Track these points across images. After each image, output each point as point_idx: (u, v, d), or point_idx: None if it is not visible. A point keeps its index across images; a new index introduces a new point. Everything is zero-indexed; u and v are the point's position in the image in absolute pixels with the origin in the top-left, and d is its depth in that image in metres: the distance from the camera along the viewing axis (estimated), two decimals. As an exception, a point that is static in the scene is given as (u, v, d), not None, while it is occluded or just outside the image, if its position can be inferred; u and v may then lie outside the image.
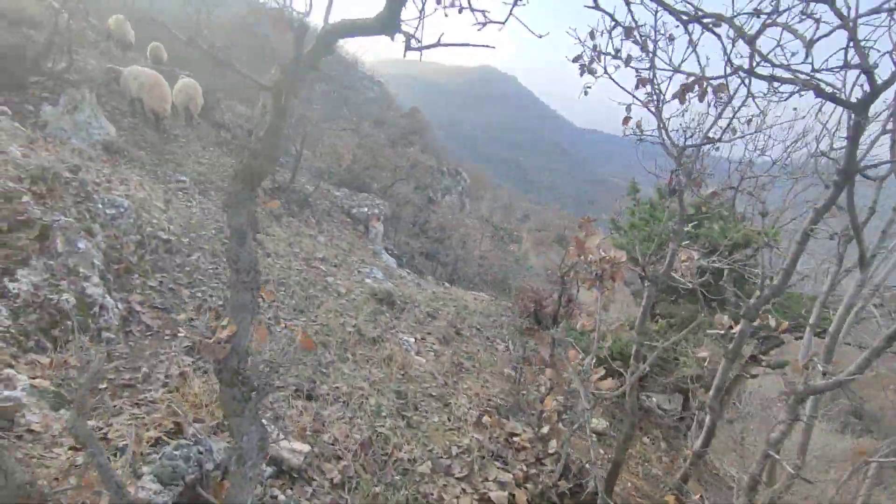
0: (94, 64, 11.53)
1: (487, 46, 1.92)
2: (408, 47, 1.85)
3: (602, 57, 4.74)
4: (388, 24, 1.83)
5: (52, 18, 7.64)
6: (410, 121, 37.91)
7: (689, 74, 4.16)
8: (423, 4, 1.87)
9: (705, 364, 6.46)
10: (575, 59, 5.01)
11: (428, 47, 1.86)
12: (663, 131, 4.01)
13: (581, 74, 5.02)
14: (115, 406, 3.01)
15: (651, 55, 4.06)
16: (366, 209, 13.62)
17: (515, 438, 4.62)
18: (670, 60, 3.45)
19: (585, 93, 5.14)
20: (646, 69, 4.43)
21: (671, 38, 4.26)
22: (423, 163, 27.71)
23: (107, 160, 7.61)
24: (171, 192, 7.55)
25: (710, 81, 3.37)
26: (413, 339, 6.67)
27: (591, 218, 11.48)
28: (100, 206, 4.94)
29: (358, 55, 29.49)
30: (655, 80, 4.16)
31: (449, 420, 4.69)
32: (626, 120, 5.20)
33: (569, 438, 4.23)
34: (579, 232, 11.35)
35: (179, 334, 4.26)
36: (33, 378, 2.90)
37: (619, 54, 4.70)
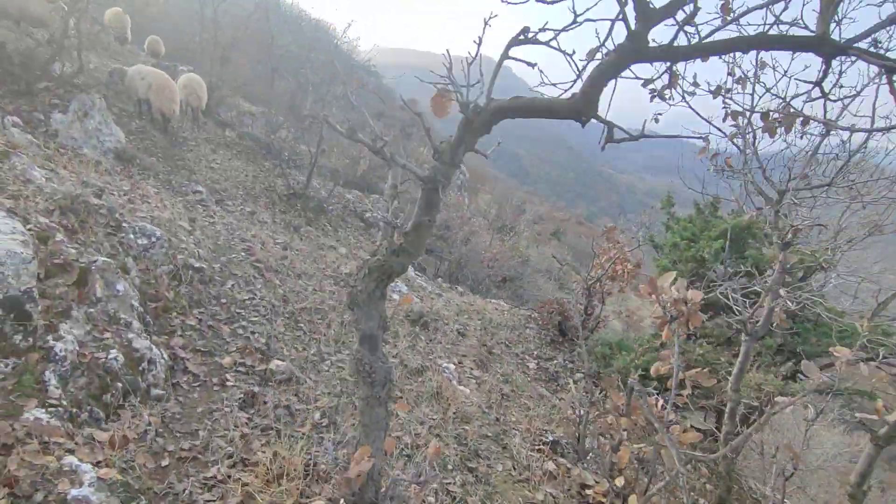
0: (95, 62, 10.96)
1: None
2: (609, 139, 1.53)
3: (681, 81, 4.42)
4: (582, 109, 1.51)
5: (61, 20, 7.11)
6: (408, 112, 37.22)
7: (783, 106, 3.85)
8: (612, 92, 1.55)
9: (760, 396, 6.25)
10: (646, 84, 4.69)
11: (633, 138, 1.54)
12: (760, 171, 3.70)
13: (651, 100, 4.71)
14: (185, 491, 2.68)
15: (752, 85, 3.75)
16: (379, 213, 13.22)
17: (588, 490, 4.35)
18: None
19: (656, 120, 4.81)
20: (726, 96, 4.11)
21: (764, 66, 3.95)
22: (424, 157, 27.20)
23: (120, 170, 7.16)
24: (190, 205, 7.13)
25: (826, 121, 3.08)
26: (452, 366, 6.38)
27: (614, 227, 11.11)
28: (131, 235, 4.55)
29: (355, 43, 28.73)
30: (747, 114, 3.87)
31: (514, 469, 4.41)
32: (703, 150, 4.88)
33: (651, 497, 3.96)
34: (603, 241, 10.94)
35: (228, 383, 3.92)
36: (96, 464, 2.55)
37: (696, 80, 4.39)
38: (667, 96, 4.55)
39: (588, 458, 5.00)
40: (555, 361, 8.84)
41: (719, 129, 4.20)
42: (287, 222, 8.92)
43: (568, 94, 1.76)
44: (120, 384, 3.18)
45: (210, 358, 4.13)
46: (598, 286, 10.09)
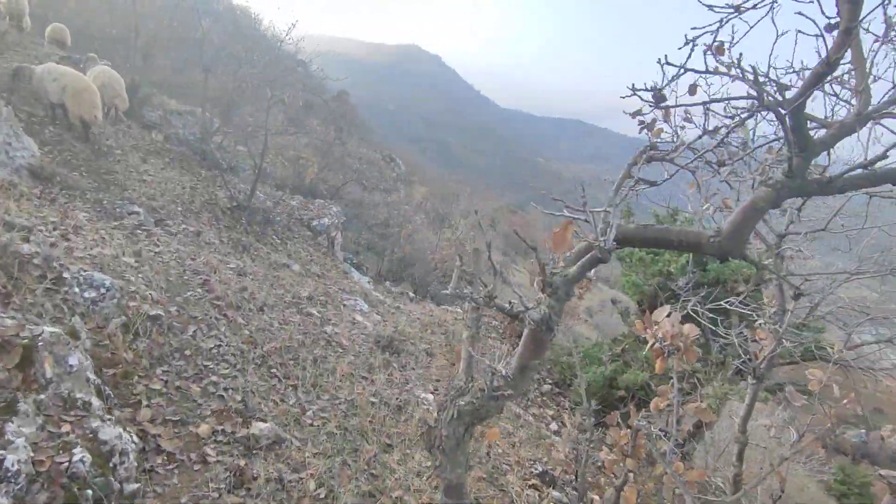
0: (-7, 56, 9.55)
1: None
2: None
3: (672, 115, 4.39)
4: (731, 248, 1.33)
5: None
6: (339, 104, 36.17)
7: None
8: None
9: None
10: (634, 115, 4.65)
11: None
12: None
13: (640, 132, 4.67)
14: None
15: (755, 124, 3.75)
16: (326, 220, 12.63)
17: (594, 533, 4.30)
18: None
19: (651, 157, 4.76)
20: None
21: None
22: (366, 155, 26.57)
23: (41, 192, 6.24)
24: (130, 232, 6.35)
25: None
26: (431, 396, 6.14)
27: (570, 222, 11.49)
28: (76, 289, 3.92)
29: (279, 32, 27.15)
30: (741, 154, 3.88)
31: (518, 515, 4.28)
32: (693, 184, 4.89)
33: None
34: (558, 237, 11.33)
35: (209, 458, 3.46)
36: None
37: (689, 115, 4.37)
38: (655, 130, 4.51)
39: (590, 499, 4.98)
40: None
41: (710, 164, 4.21)
42: (235, 241, 8.24)
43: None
44: (90, 491, 2.68)
45: (184, 428, 3.64)
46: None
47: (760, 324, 4.24)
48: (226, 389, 4.18)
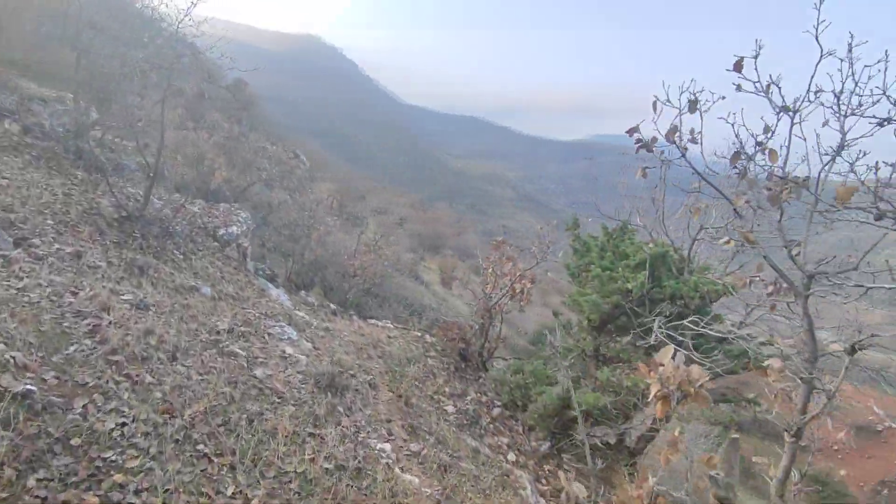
0: None
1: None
2: None
3: (678, 137, 3.94)
4: None
5: None
6: (235, 93, 33.25)
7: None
8: None
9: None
10: (630, 131, 4.16)
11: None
12: (788, 250, 3.37)
13: (637, 151, 4.19)
14: None
15: (786, 150, 3.39)
16: (235, 228, 11.08)
17: None
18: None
19: (644, 175, 4.34)
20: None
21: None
22: (272, 151, 24.51)
23: None
24: (-22, 261, 4.74)
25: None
26: (388, 446, 5.28)
27: (503, 240, 10.86)
28: None
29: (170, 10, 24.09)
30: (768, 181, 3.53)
31: None
32: (697, 211, 4.56)
33: None
34: (493, 254, 10.61)
35: None
36: None
37: (694, 135, 3.96)
38: (655, 150, 4.03)
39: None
40: (469, 398, 8.23)
41: (721, 192, 3.83)
42: (129, 261, 6.70)
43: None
44: None
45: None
46: (498, 306, 9.74)
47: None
48: (138, 493, 3.04)
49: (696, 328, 5.01)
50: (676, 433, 3.93)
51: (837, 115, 2.99)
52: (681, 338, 5.09)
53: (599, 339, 7.96)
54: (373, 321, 11.59)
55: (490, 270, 10.31)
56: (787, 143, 3.20)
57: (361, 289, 18.76)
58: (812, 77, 2.93)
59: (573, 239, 8.30)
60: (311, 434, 4.70)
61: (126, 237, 7.56)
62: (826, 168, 3.13)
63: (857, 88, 2.93)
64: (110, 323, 4.58)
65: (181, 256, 8.44)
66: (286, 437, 4.42)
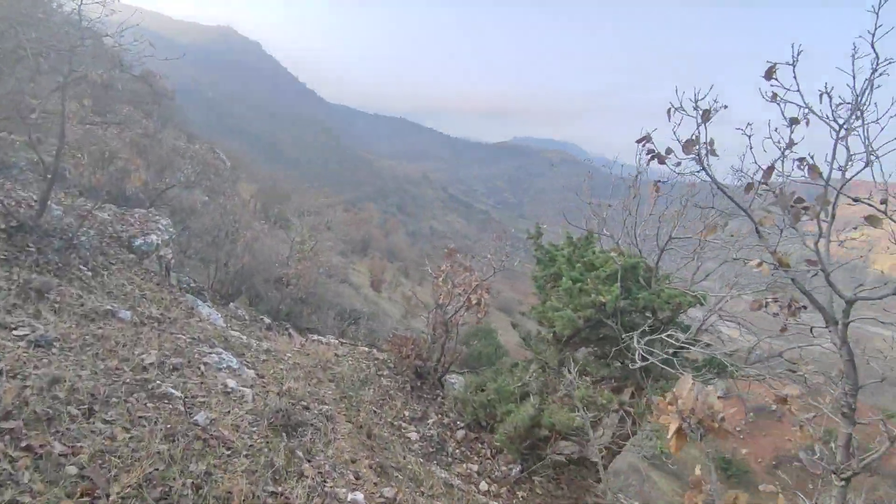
0: None
1: None
2: None
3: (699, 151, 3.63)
4: None
5: None
6: (144, 86, 30.37)
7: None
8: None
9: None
10: (641, 141, 3.81)
11: None
12: (826, 274, 3.11)
13: (647, 162, 3.85)
14: None
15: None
16: (154, 237, 9.73)
17: None
18: None
19: (657, 190, 4.00)
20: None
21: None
22: (192, 150, 22.45)
23: None
24: None
25: None
26: (360, 495, 4.56)
27: (454, 249, 10.42)
28: None
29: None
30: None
31: None
32: (712, 230, 4.32)
33: None
34: (444, 263, 10.13)
35: None
36: None
37: (713, 146, 3.67)
38: (671, 162, 3.68)
39: None
40: (430, 420, 7.64)
41: (743, 209, 3.53)
42: (22, 284, 5.46)
43: None
44: None
45: None
46: (454, 319, 9.24)
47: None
48: None
49: (674, 342, 4.77)
50: (698, 472, 3.60)
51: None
52: (662, 353, 4.84)
53: (564, 352, 7.66)
54: (315, 337, 10.67)
55: (441, 280, 9.79)
56: (830, 158, 2.93)
57: (294, 298, 17.57)
58: (870, 85, 2.65)
59: (536, 248, 7.96)
60: (272, 493, 3.91)
61: (18, 252, 6.23)
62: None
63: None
64: (0, 373, 3.53)
65: (90, 273, 7.16)
66: (243, 501, 3.61)
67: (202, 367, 5.83)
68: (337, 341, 10.50)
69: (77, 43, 7.72)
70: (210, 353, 6.31)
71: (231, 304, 14.17)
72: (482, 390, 7.99)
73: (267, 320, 12.65)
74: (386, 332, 25.84)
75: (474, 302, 9.08)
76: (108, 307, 6.21)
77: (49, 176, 7.03)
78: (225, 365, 6.24)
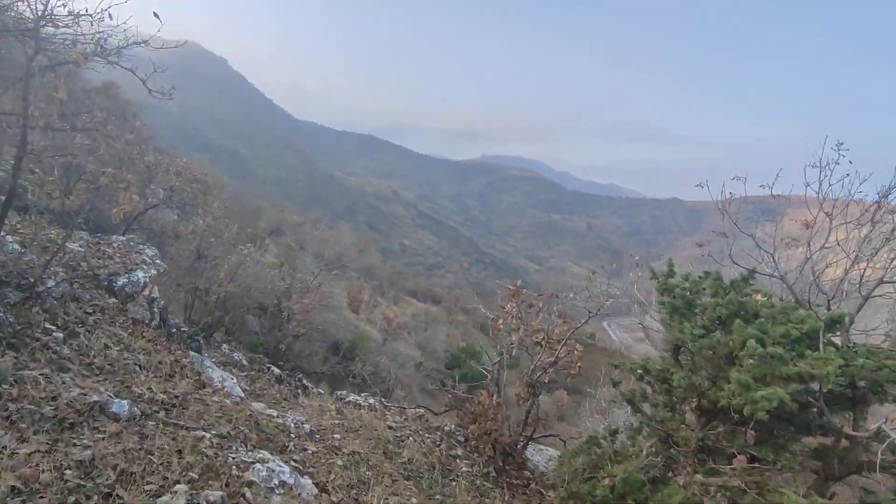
0: None
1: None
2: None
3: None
4: None
5: None
6: (105, 98, 27.59)
7: None
8: None
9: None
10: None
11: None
12: None
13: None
14: None
15: None
16: (140, 273, 7.46)
17: None
18: None
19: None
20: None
21: None
22: (164, 162, 19.89)
23: None
24: None
25: None
26: None
27: (520, 286, 8.56)
28: None
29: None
30: None
31: None
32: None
33: None
34: (508, 301, 8.26)
35: None
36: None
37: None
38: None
39: None
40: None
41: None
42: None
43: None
44: None
45: None
46: (541, 379, 7.32)
47: None
48: None
49: None
50: None
51: None
52: None
53: (707, 428, 5.82)
54: (350, 398, 8.50)
55: (504, 322, 7.91)
56: None
57: (293, 335, 15.27)
58: None
59: (661, 291, 6.14)
60: None
61: (-51, 315, 3.99)
62: None
63: None
64: None
65: (61, 335, 4.92)
66: None
67: (247, 494, 3.72)
68: (376, 403, 8.35)
69: (37, 25, 5.53)
70: (252, 463, 4.18)
71: (224, 346, 11.87)
72: (594, 478, 6.05)
73: (277, 371, 10.40)
74: (383, 365, 23.59)
75: (563, 355, 7.22)
76: (95, 397, 4.02)
77: (2, 198, 4.82)
78: (276, 480, 4.12)
